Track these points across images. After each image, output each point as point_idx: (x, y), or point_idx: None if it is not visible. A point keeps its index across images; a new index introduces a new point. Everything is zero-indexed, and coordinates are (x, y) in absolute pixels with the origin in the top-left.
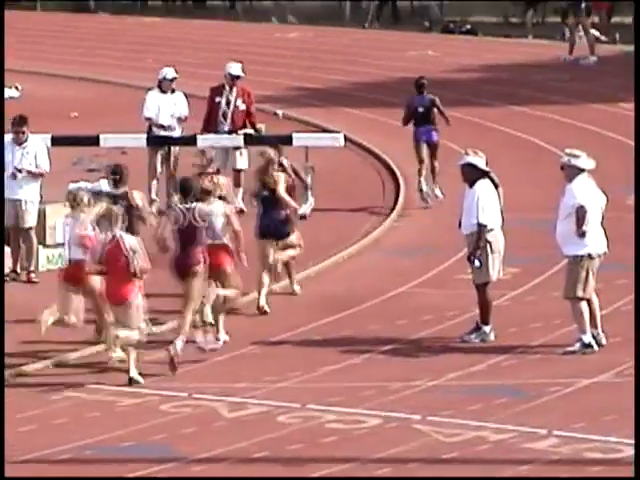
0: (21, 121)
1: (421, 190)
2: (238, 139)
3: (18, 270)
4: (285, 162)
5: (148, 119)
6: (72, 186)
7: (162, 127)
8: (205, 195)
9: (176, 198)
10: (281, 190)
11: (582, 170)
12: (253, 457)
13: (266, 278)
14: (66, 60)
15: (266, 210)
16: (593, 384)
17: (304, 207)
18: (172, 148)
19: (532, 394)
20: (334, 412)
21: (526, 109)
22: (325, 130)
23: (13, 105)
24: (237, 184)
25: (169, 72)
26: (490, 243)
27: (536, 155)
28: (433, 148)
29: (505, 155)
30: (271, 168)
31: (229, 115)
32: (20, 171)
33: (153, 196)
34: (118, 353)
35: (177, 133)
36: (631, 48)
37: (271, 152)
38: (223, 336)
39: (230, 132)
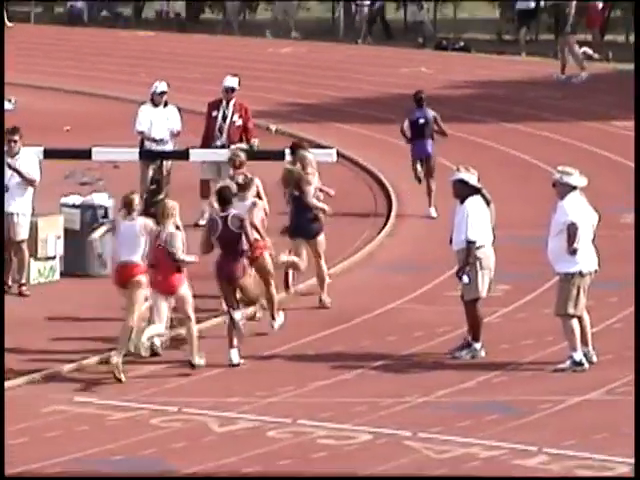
0: (13, 130)
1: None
2: None
3: (9, 283)
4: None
5: (140, 133)
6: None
7: (154, 141)
8: (240, 191)
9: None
10: (309, 196)
11: (574, 187)
12: (243, 472)
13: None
14: (60, 73)
15: (297, 210)
16: (584, 401)
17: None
18: (164, 162)
19: (523, 411)
20: (325, 428)
21: (518, 126)
22: (318, 145)
23: (7, 117)
24: None
25: (159, 86)
26: (480, 260)
27: (528, 172)
28: (429, 165)
29: (497, 172)
30: (305, 170)
31: (225, 129)
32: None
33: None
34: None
35: (169, 147)
36: (624, 66)
37: (306, 154)
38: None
39: (223, 146)
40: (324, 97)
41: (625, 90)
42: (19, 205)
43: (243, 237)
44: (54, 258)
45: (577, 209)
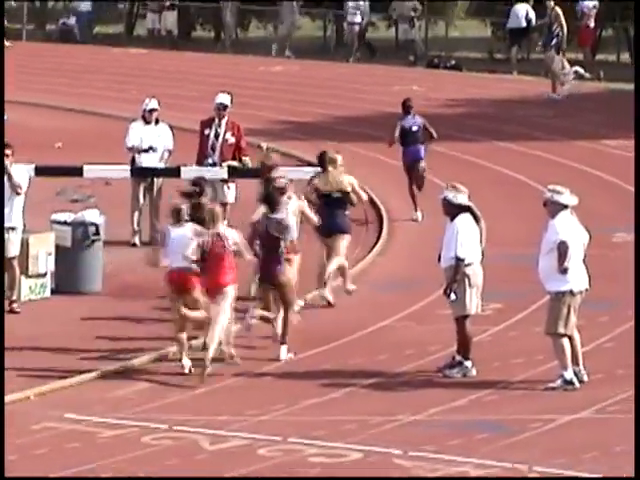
0: (2, 145)
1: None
2: (222, 171)
3: None
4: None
5: (130, 148)
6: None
7: (145, 151)
8: (279, 194)
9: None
10: (357, 189)
11: (565, 206)
12: None
13: (332, 267)
14: (51, 90)
15: (333, 210)
16: (575, 420)
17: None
18: (155, 179)
19: (513, 430)
20: (315, 446)
21: (510, 145)
22: (309, 164)
23: None
24: (222, 218)
25: (150, 103)
26: (468, 277)
27: (519, 190)
28: (418, 172)
29: (489, 190)
30: (337, 169)
31: (218, 147)
32: None
33: (135, 227)
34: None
35: (158, 155)
36: (616, 85)
37: (336, 155)
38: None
39: (215, 164)
40: (316, 115)
41: (616, 109)
42: (9, 221)
43: (282, 241)
44: (45, 275)
45: (568, 228)
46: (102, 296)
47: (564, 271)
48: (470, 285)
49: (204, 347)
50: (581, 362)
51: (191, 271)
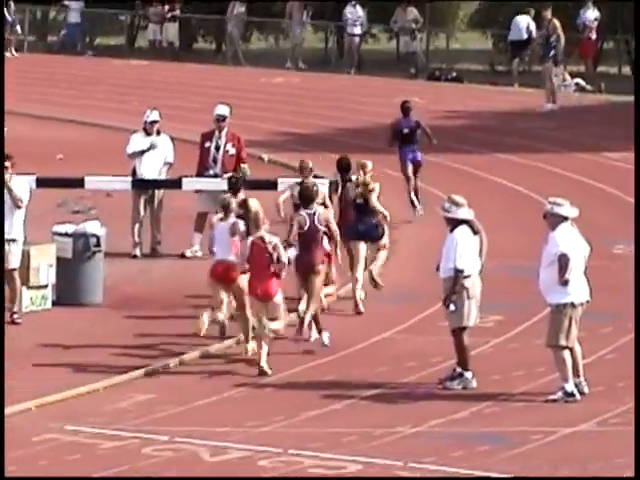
0: (2, 157)
1: (412, 204)
2: (222, 183)
3: None
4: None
5: (131, 155)
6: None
7: (143, 152)
8: (314, 192)
9: None
10: (374, 198)
11: (565, 218)
12: None
13: (360, 276)
14: (52, 102)
15: (361, 216)
16: (575, 433)
17: (289, 252)
18: (156, 191)
19: (515, 442)
20: (316, 457)
21: (511, 157)
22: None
23: None
24: None
25: (151, 115)
26: (467, 289)
27: (520, 202)
28: (417, 166)
29: (489, 202)
30: (363, 176)
31: (219, 159)
32: None
33: (136, 239)
34: (251, 345)
35: (158, 160)
36: (617, 98)
37: (366, 162)
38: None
39: (216, 176)
40: (317, 127)
41: (617, 121)
42: (10, 233)
43: (322, 234)
44: (46, 287)
45: (568, 240)
46: (103, 308)
47: (565, 283)
48: (469, 297)
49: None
50: (582, 374)
51: (235, 264)
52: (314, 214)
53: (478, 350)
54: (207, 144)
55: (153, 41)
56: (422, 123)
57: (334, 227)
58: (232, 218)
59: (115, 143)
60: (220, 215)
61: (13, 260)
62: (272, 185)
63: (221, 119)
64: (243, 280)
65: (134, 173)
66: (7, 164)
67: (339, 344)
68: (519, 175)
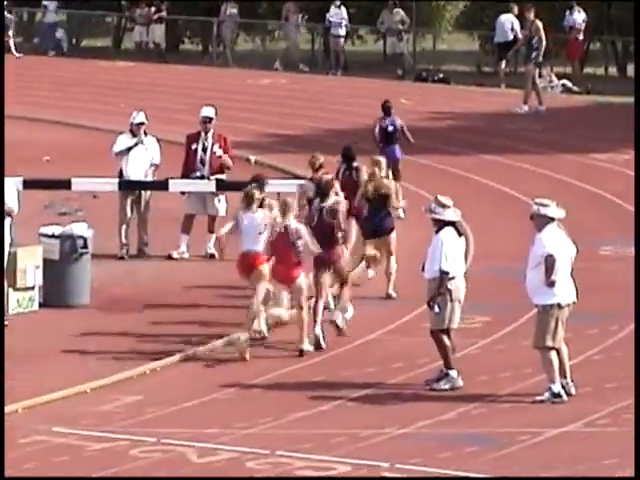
0: (2, 158)
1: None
2: (209, 185)
3: None
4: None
5: (118, 153)
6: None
7: (130, 149)
8: (329, 186)
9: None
10: (393, 200)
11: (551, 219)
12: None
13: (371, 272)
14: (39, 103)
15: (376, 211)
16: (562, 433)
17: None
18: (143, 192)
19: (502, 442)
20: (303, 459)
21: (498, 158)
22: (297, 177)
23: None
24: (211, 230)
25: (137, 117)
26: (450, 291)
27: (507, 204)
28: (395, 163)
29: (476, 203)
30: (379, 173)
31: (207, 161)
32: None
33: (123, 240)
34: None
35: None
36: (603, 98)
37: (380, 159)
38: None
39: (203, 177)
40: (305, 128)
41: (604, 122)
42: None
43: (336, 228)
44: (33, 288)
45: (555, 241)
46: (90, 309)
47: (551, 284)
48: (452, 299)
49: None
50: (569, 375)
51: (260, 253)
52: (324, 207)
53: (465, 351)
54: (194, 146)
55: (139, 43)
56: (405, 127)
57: (348, 227)
58: (256, 209)
59: (102, 145)
60: (242, 206)
61: None
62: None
63: (207, 120)
64: (266, 269)
65: (121, 174)
66: None
67: (326, 346)
68: (506, 176)
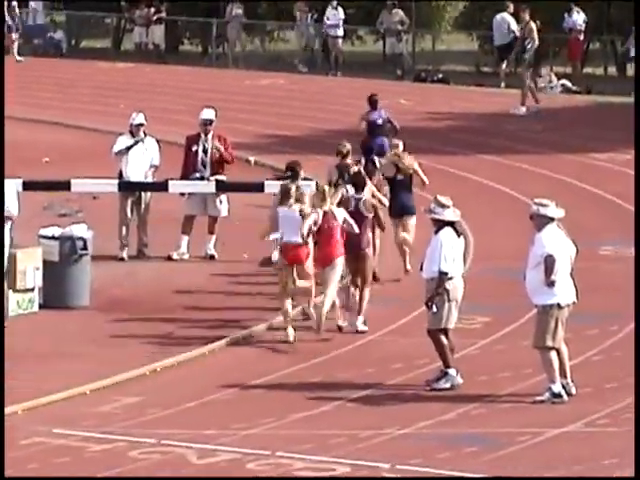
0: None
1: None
2: (209, 185)
3: None
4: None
5: (117, 153)
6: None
7: (129, 148)
8: (362, 178)
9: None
10: (420, 172)
11: (551, 219)
12: None
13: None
14: (39, 104)
15: (400, 192)
16: (563, 434)
17: (275, 254)
18: (143, 193)
19: (502, 443)
20: (304, 460)
21: (497, 158)
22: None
23: None
24: (211, 231)
25: (137, 118)
26: (448, 291)
27: (507, 204)
28: (383, 156)
29: (475, 203)
30: (400, 154)
31: (208, 162)
32: None
33: (123, 241)
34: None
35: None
36: (603, 98)
37: (397, 141)
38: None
39: (203, 178)
40: (304, 129)
41: (604, 122)
42: None
43: (369, 219)
44: (33, 290)
45: (554, 241)
46: (90, 310)
47: (551, 284)
48: (449, 299)
49: (304, 315)
50: (569, 375)
51: (302, 245)
52: (361, 199)
53: (465, 352)
54: (194, 148)
55: (139, 44)
56: (392, 118)
57: (381, 214)
58: (293, 202)
59: (101, 146)
60: (280, 201)
61: None
62: (259, 187)
63: (208, 123)
64: (310, 263)
65: (120, 176)
66: None
67: (326, 346)
68: (505, 176)
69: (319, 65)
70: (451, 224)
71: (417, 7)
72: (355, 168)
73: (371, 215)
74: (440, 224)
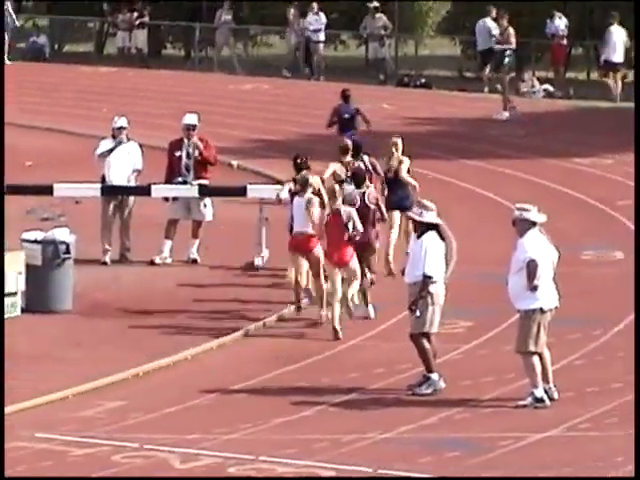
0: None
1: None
2: (192, 190)
3: None
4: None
5: (100, 155)
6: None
7: (111, 150)
8: (363, 173)
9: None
10: (403, 172)
11: (534, 224)
12: None
13: (394, 237)
14: (21, 109)
15: (392, 189)
16: (545, 438)
17: (258, 259)
18: (126, 198)
19: (484, 447)
20: (286, 464)
21: (480, 163)
22: (279, 182)
23: None
24: (194, 235)
25: (119, 121)
26: (432, 295)
27: (489, 209)
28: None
29: (458, 208)
30: (395, 152)
31: (192, 167)
32: None
33: (106, 245)
34: (325, 312)
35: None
36: (586, 103)
37: (397, 139)
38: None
39: (185, 182)
40: (287, 133)
41: (587, 127)
42: None
43: (374, 212)
44: (15, 294)
45: (537, 246)
46: (73, 314)
47: (534, 289)
48: (433, 303)
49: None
50: (551, 380)
51: (311, 234)
52: (365, 193)
53: (448, 356)
54: (177, 153)
55: (122, 48)
56: (361, 109)
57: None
58: (309, 194)
59: (84, 150)
60: (297, 189)
61: None
62: (241, 191)
63: (191, 128)
64: (319, 250)
65: (103, 180)
66: None
67: (308, 351)
68: (488, 181)
69: (302, 70)
70: (435, 227)
71: (400, 12)
72: (357, 164)
73: (376, 205)
74: (423, 227)
